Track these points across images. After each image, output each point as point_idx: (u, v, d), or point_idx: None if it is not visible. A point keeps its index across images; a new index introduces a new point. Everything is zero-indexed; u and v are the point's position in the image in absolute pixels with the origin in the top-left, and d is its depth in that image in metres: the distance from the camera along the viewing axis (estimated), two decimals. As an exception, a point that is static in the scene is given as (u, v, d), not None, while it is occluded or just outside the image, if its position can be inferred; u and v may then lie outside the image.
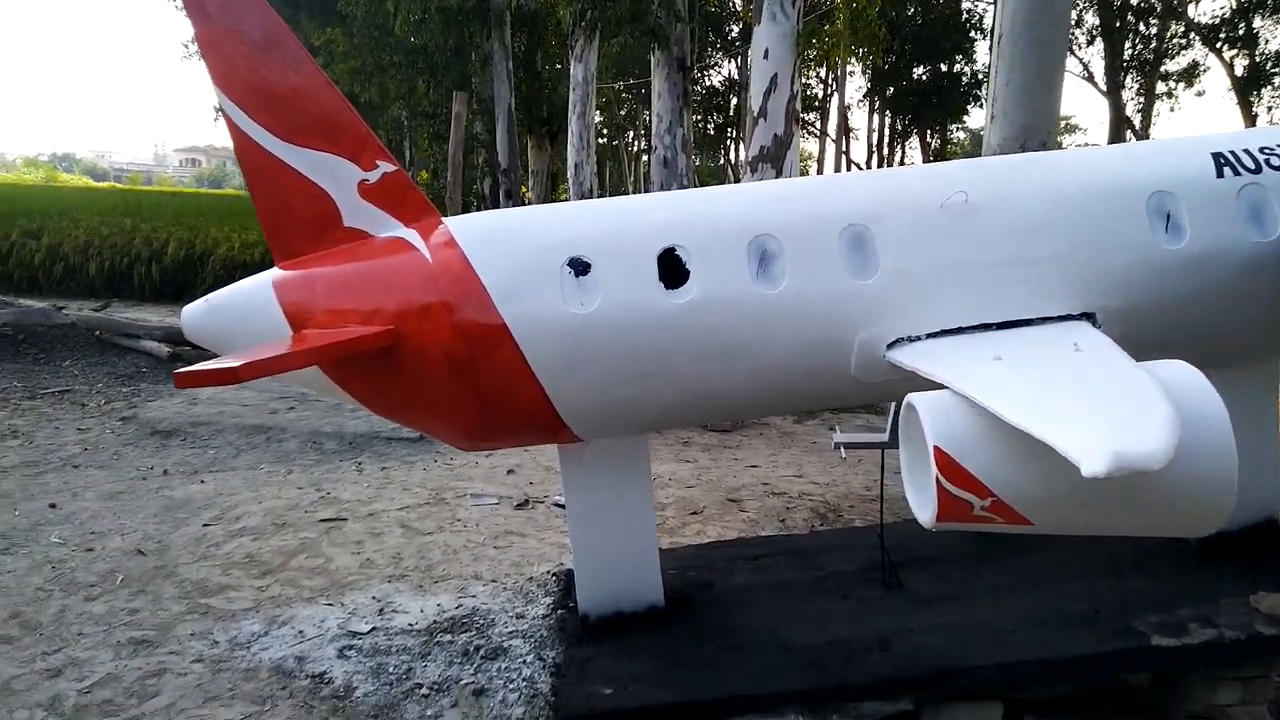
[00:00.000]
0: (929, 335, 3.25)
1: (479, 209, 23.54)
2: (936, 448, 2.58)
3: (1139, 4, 28.47)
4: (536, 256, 3.23)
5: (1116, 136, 26.90)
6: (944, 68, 34.60)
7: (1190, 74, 31.55)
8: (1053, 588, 3.86)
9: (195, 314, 3.48)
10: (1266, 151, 3.46)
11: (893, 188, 3.54)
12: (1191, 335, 3.42)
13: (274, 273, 3.45)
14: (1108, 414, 2.17)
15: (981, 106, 33.51)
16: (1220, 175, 3.40)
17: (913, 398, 2.75)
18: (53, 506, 6.21)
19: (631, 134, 46.22)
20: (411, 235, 3.39)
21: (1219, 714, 3.35)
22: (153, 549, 5.45)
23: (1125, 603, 3.63)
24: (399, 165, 3.53)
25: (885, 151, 39.05)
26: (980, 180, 3.44)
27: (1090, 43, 29.71)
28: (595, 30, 15.89)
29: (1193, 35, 29.68)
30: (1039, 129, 4.98)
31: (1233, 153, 3.46)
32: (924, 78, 34.83)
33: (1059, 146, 4.87)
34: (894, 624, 3.66)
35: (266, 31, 3.32)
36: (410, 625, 4.38)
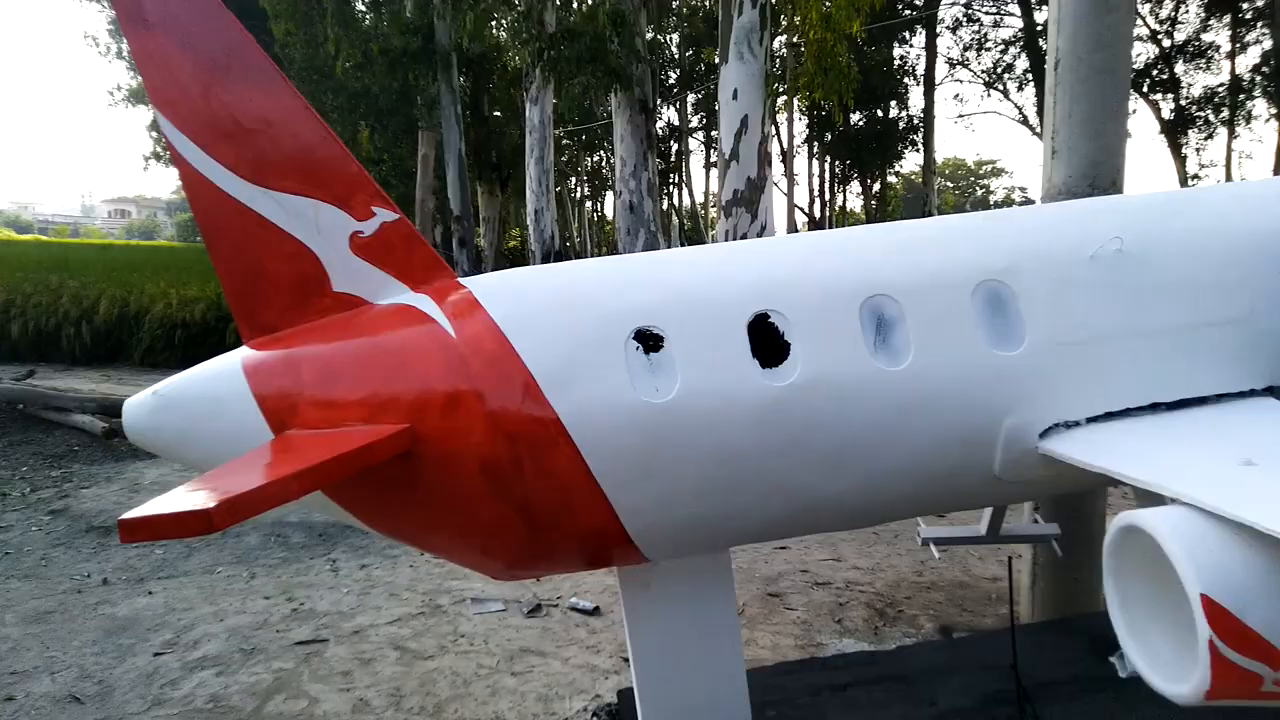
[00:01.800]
0: (1089, 420, 2.64)
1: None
2: (1206, 598, 1.91)
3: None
4: (594, 328, 2.51)
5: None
6: (880, 113, 35.27)
7: (1120, 116, 32.73)
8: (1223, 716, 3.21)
9: (140, 411, 2.64)
10: None
11: (1026, 232, 2.93)
12: None
13: (243, 354, 2.65)
14: None
15: (918, 151, 34.17)
16: None
17: (1142, 517, 2.07)
18: (-36, 638, 5.13)
19: (574, 180, 45.96)
20: (423, 302, 2.63)
21: None
22: (92, 693, 4.45)
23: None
24: (401, 212, 2.75)
25: (828, 196, 39.49)
26: (1128, 223, 2.84)
27: (1020, 89, 31.01)
28: (554, 71, 15.32)
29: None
30: (1109, 165, 4.46)
31: None
32: (861, 124, 35.42)
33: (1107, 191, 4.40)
34: (1054, 786, 2.97)
35: (226, 44, 2.55)
36: (434, 803, 3.50)
